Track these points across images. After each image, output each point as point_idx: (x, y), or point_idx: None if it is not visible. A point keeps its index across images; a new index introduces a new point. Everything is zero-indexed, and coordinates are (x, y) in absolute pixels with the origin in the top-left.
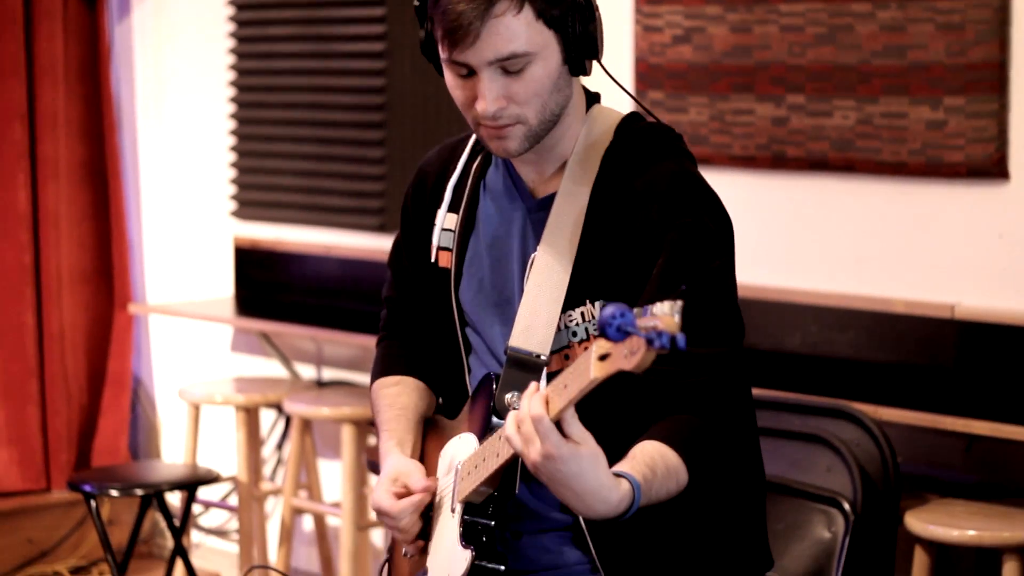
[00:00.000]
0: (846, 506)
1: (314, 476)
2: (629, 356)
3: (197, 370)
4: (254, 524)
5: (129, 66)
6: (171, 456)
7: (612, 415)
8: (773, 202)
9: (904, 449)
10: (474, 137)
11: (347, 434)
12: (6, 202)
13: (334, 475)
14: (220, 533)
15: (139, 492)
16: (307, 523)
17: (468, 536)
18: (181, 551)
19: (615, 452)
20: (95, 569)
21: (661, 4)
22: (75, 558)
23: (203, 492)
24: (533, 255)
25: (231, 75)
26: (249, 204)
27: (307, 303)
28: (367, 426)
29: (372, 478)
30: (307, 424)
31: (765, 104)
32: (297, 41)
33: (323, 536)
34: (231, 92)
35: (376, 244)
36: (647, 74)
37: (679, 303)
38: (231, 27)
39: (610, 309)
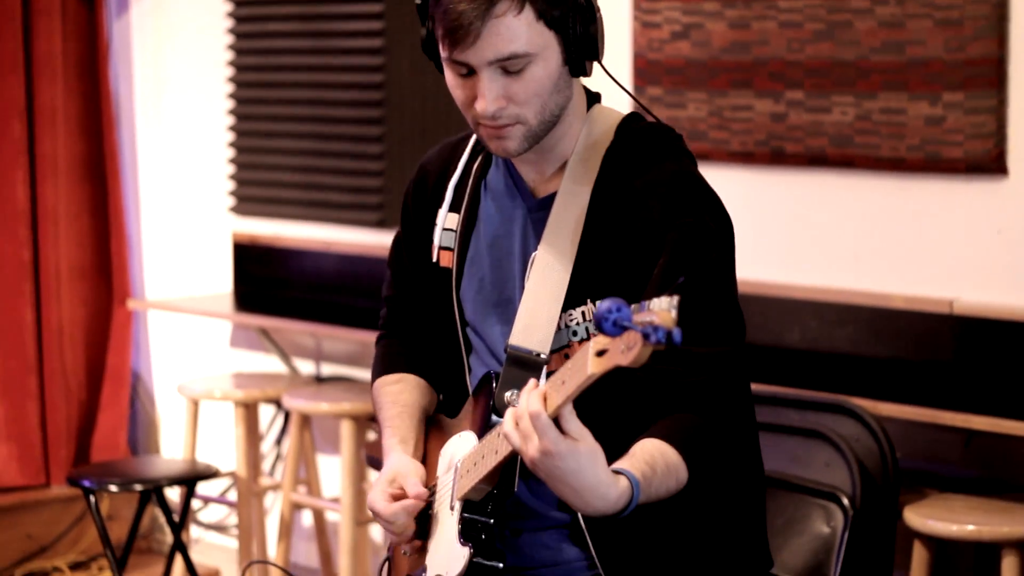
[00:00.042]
0: (845, 501)
1: (313, 471)
2: (626, 351)
3: (196, 366)
4: (253, 519)
5: (128, 63)
6: (170, 451)
7: (613, 413)
8: (772, 198)
9: (903, 444)
10: (475, 136)
11: (346, 429)
12: (5, 198)
13: (333, 470)
14: (219, 528)
15: (138, 487)
16: (306, 518)
17: (467, 533)
18: (180, 546)
19: (617, 450)
20: (94, 564)
21: (659, 0)
22: (74, 553)
23: (202, 487)
24: (534, 254)
25: (230, 71)
26: (248, 200)
27: (306, 299)
28: (366, 421)
29: (371, 473)
30: (306, 419)
31: (764, 100)
32: (296, 37)
33: (322, 531)
34: (230, 88)
35: (375, 240)
36: (645, 70)
37: (676, 299)
38: (230, 23)
39: (606, 304)
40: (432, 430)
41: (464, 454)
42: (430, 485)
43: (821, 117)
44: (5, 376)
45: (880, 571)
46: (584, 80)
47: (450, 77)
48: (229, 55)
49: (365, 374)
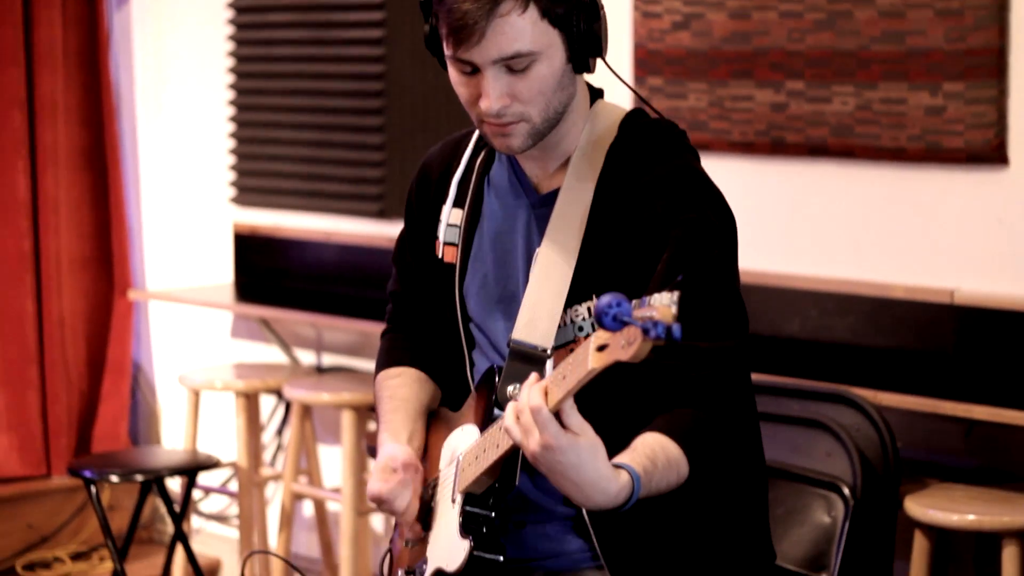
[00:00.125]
0: (846, 491)
1: (314, 462)
2: (626, 346)
3: (197, 356)
4: (254, 510)
5: (128, 53)
6: (171, 442)
7: (615, 408)
8: (772, 188)
9: (904, 434)
10: (477, 133)
11: (347, 420)
12: (6, 189)
13: (334, 461)
14: (220, 519)
15: (139, 478)
16: (307, 508)
17: (467, 526)
18: (181, 536)
19: (618, 444)
20: (95, 555)
21: None
22: (75, 544)
23: (203, 478)
24: (537, 250)
25: (230, 62)
26: (249, 190)
27: (307, 289)
28: (367, 412)
29: (372, 464)
30: (307, 410)
31: (764, 90)
32: (296, 28)
33: (323, 521)
34: (230, 79)
35: (376, 230)
36: (646, 60)
37: (676, 294)
38: (230, 14)
39: (606, 299)
40: (435, 423)
41: (466, 447)
42: (432, 478)
43: (822, 107)
44: (6, 366)
45: (881, 561)
46: (586, 75)
47: (454, 75)
48: (230, 45)
49: (366, 364)
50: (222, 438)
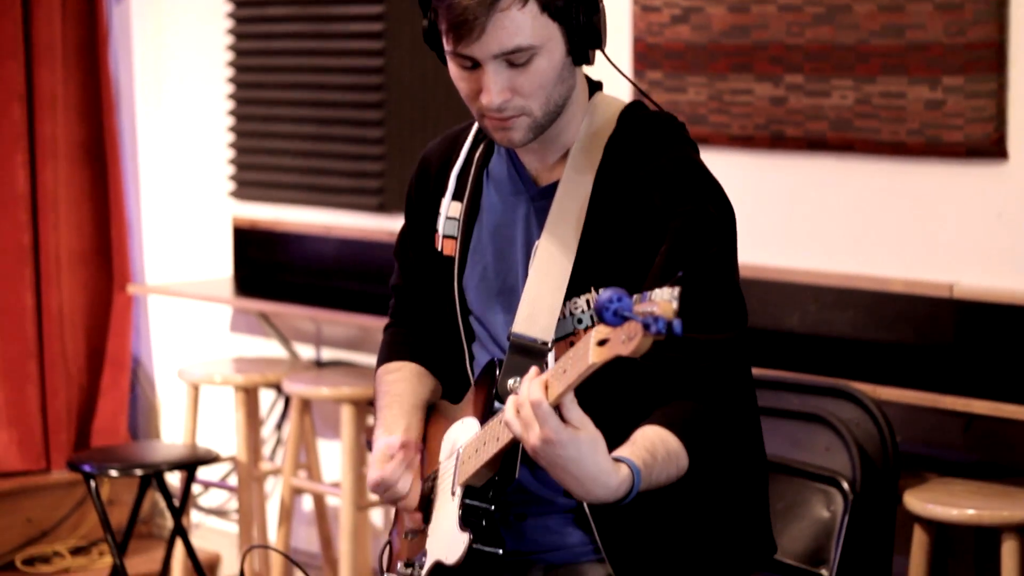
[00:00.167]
0: (845, 485)
1: (313, 456)
2: (627, 341)
3: (196, 350)
4: (254, 504)
5: (128, 47)
6: (170, 436)
7: (615, 401)
8: (772, 182)
9: (903, 428)
10: (476, 126)
11: (346, 414)
12: (5, 183)
13: (333, 455)
14: (220, 513)
15: (139, 472)
16: (306, 503)
17: (467, 519)
18: (181, 531)
19: (618, 438)
20: (95, 549)
21: None
22: (75, 538)
23: (203, 472)
24: (536, 243)
25: (230, 55)
26: (248, 184)
27: (306, 283)
28: (366, 406)
29: (370, 457)
30: (306, 404)
31: (763, 84)
32: (296, 21)
33: (323, 516)
34: (230, 72)
35: (375, 224)
36: (645, 54)
37: (677, 289)
38: (230, 7)
39: (607, 293)
40: (434, 416)
41: (466, 440)
42: (432, 470)
43: (821, 101)
44: (5, 361)
45: (880, 555)
46: (585, 67)
47: (454, 70)
48: (229, 39)
49: (365, 359)
50: (221, 432)
